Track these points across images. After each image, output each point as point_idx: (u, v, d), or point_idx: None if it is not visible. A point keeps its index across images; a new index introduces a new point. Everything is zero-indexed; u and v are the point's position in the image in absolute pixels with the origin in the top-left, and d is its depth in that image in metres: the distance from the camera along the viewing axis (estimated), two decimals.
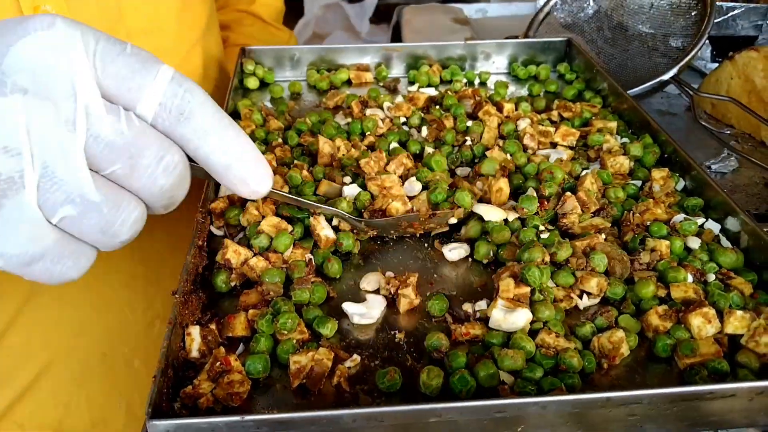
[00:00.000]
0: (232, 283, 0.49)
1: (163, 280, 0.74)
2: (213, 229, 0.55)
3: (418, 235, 0.55)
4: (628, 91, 0.82)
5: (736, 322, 0.45)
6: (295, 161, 0.62)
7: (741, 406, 0.40)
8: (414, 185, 0.57)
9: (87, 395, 0.66)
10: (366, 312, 0.47)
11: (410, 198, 0.55)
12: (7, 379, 0.61)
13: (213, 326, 0.44)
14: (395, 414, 0.37)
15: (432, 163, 0.62)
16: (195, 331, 0.43)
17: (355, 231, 0.53)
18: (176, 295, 0.43)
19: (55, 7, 0.60)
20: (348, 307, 0.48)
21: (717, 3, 0.99)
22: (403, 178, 0.59)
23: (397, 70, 0.88)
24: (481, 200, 0.58)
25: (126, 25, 0.66)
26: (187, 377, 0.42)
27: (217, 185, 0.60)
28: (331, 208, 0.52)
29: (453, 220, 0.55)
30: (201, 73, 0.79)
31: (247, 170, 0.37)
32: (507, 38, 1.00)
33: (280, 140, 0.68)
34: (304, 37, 2.02)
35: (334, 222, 0.54)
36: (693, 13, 0.93)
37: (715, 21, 1.04)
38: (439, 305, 0.48)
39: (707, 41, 1.02)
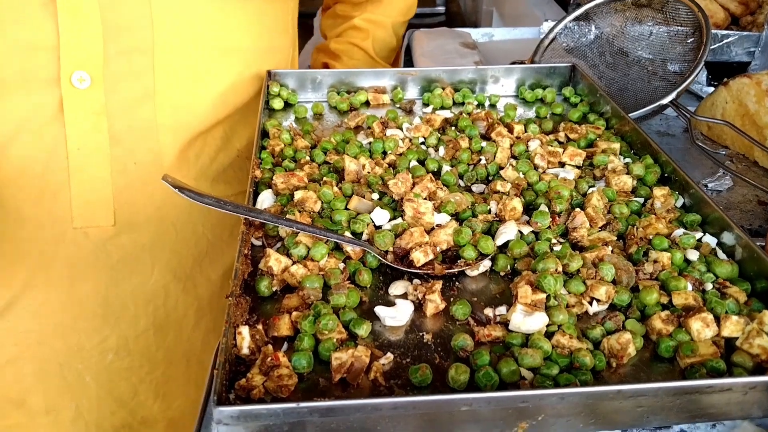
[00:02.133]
0: (274, 288, 0.54)
1: (121, 321, 0.81)
2: (253, 240, 0.60)
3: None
4: (630, 114, 0.88)
5: (732, 326, 0.50)
6: (324, 178, 0.67)
7: (736, 399, 0.44)
8: (445, 217, 0.61)
9: (44, 390, 0.79)
10: (396, 315, 0.52)
11: (438, 226, 0.60)
12: None
13: (260, 326, 0.49)
14: (432, 403, 0.41)
15: (446, 177, 0.68)
16: (245, 330, 0.48)
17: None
18: (230, 298, 0.48)
19: (91, 73, 0.67)
20: (380, 310, 0.52)
21: (712, 31, 1.05)
22: (428, 199, 0.63)
23: (411, 93, 0.93)
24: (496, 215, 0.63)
25: (156, 101, 0.73)
26: (239, 372, 0.47)
27: (254, 200, 0.65)
28: (361, 243, 0.57)
29: (473, 273, 0.58)
30: (219, 145, 0.84)
31: None
32: (514, 63, 1.06)
33: (307, 158, 0.73)
34: (313, 57, 2.07)
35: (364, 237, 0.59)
36: (690, 41, 0.99)
37: (711, 48, 1.10)
38: (462, 310, 0.53)
39: (703, 67, 1.08)
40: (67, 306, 0.79)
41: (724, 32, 1.09)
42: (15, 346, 0.78)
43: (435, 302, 0.53)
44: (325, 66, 1.13)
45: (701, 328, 0.50)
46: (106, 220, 0.76)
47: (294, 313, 0.50)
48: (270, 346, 0.47)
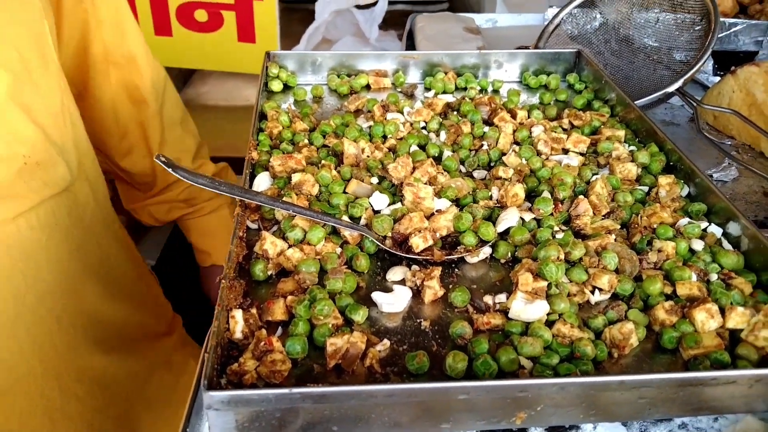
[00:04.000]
0: (269, 272, 0.53)
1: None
2: (248, 223, 0.58)
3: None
4: (635, 102, 0.86)
5: (737, 318, 0.49)
6: (323, 161, 0.66)
7: (741, 392, 0.43)
8: (445, 202, 0.60)
9: None
10: (394, 301, 0.51)
11: (438, 212, 0.59)
12: None
13: (254, 311, 0.48)
14: (428, 390, 0.40)
15: (447, 162, 0.67)
16: (238, 314, 0.46)
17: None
18: (223, 281, 0.47)
19: None
20: (377, 296, 0.51)
21: (720, 19, 1.03)
22: (428, 184, 0.62)
23: (413, 77, 0.91)
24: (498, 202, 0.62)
25: None
26: (231, 356, 0.45)
27: (251, 181, 0.63)
28: (359, 228, 0.56)
29: (473, 260, 0.56)
30: None
31: None
32: (518, 48, 1.04)
33: (306, 141, 0.71)
34: (313, 42, 2.05)
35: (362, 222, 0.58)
36: (697, 28, 0.97)
37: (718, 36, 1.08)
38: (461, 297, 0.51)
39: (710, 56, 1.06)
40: None
41: (732, 20, 1.07)
42: None
43: (433, 289, 0.52)
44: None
45: (705, 319, 0.49)
46: None
47: (289, 298, 0.49)
48: (264, 331, 0.46)
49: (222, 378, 0.43)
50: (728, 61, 1.08)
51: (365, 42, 1.96)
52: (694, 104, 0.87)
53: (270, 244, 0.53)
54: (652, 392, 0.42)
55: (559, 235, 0.57)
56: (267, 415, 0.40)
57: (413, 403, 0.41)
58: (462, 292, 0.52)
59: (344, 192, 0.61)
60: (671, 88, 0.87)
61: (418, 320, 0.50)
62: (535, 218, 0.59)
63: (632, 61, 1.03)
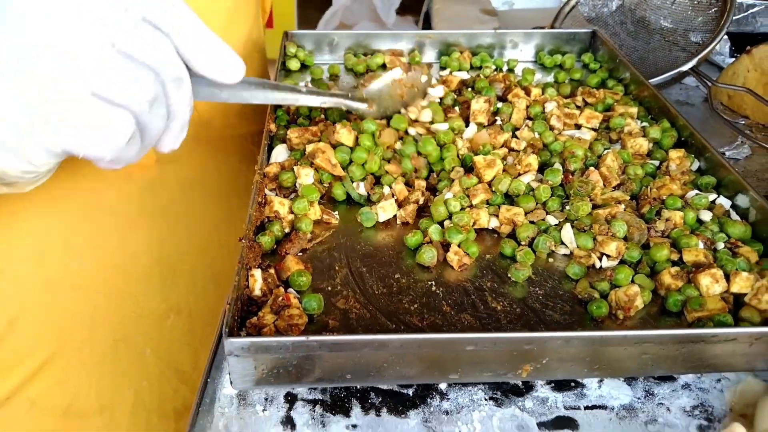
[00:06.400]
0: (286, 230, 0.55)
1: (179, 276, 0.73)
2: (266, 192, 0.61)
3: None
4: (649, 80, 0.87)
5: (741, 282, 0.50)
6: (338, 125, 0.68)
7: (741, 350, 0.44)
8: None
9: (97, 381, 0.66)
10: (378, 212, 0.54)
11: None
12: (20, 359, 0.62)
13: (272, 270, 0.50)
14: (437, 341, 0.42)
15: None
16: (257, 273, 0.49)
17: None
18: (243, 241, 0.49)
19: None
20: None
21: (738, 0, 1.03)
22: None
23: (429, 56, 0.93)
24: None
25: None
26: (251, 311, 0.48)
27: (269, 153, 0.65)
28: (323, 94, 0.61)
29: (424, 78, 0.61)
30: None
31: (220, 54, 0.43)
32: (534, 29, 1.05)
33: (322, 116, 0.73)
34: (330, 27, 2.07)
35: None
36: (713, 10, 0.97)
37: (735, 18, 1.08)
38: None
39: (726, 37, 1.06)
40: (120, 265, 0.67)
41: (750, 2, 1.07)
42: (58, 334, 0.63)
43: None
44: None
45: (710, 283, 0.50)
46: (148, 156, 0.61)
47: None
48: (281, 288, 0.48)
49: (242, 331, 0.46)
50: (745, 43, 1.07)
51: (382, 27, 1.98)
52: (709, 84, 0.87)
53: (278, 204, 0.55)
54: (655, 348, 0.43)
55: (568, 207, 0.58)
56: (285, 362, 0.42)
57: (423, 353, 0.43)
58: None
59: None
60: (685, 67, 0.87)
61: (429, 282, 0.52)
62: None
63: (648, 42, 1.04)
